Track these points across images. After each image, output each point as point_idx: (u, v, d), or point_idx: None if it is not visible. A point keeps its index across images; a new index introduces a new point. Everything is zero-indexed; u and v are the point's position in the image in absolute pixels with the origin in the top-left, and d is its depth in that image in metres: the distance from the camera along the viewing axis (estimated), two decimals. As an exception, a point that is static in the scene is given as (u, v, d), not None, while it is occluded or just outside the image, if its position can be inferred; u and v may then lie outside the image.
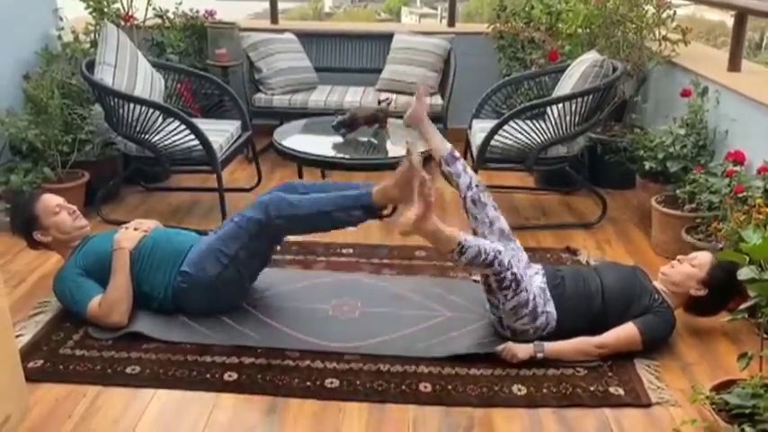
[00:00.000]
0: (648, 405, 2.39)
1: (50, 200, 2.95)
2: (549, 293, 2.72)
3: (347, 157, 3.74)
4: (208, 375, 2.51)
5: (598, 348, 2.60)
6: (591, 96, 3.72)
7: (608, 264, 3.20)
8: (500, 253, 2.55)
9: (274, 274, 3.12)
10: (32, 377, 2.43)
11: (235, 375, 2.51)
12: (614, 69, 3.84)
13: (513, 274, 2.57)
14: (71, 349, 2.65)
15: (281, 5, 5.79)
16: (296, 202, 2.78)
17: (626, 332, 2.62)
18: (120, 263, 2.80)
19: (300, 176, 4.07)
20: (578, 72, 3.89)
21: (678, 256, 2.85)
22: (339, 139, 3.87)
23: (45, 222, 2.91)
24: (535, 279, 2.76)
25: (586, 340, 2.61)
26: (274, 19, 5.66)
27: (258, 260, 2.93)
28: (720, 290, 2.70)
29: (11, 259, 3.36)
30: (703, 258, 2.76)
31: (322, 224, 2.83)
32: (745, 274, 2.06)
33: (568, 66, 4.14)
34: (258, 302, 2.98)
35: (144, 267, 2.84)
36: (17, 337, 2.60)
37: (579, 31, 4.54)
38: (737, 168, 3.27)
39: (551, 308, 2.69)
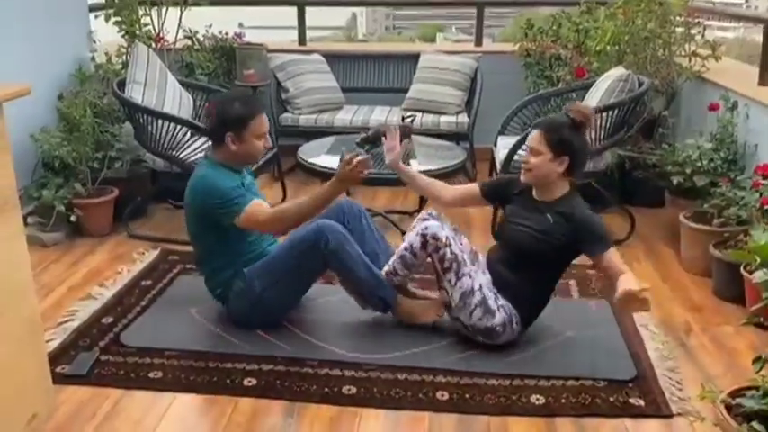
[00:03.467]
0: (669, 416, 2.35)
1: (264, 123, 2.88)
2: (494, 286, 2.74)
3: (371, 172, 3.75)
4: (228, 381, 2.54)
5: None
6: (616, 111, 3.71)
7: None
8: (426, 228, 2.71)
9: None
10: (59, 380, 2.48)
11: (254, 381, 2.53)
12: (640, 84, 3.82)
13: (452, 253, 2.68)
14: (96, 355, 2.69)
15: (315, 33, 5.88)
16: (351, 248, 2.80)
17: (610, 258, 2.57)
18: (326, 194, 2.73)
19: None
20: (603, 87, 3.88)
21: (522, 164, 2.74)
22: (363, 155, 3.90)
23: (246, 136, 2.81)
24: (481, 276, 2.77)
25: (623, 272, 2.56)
26: (302, 40, 5.76)
27: (305, 282, 2.93)
28: (571, 145, 2.62)
29: (41, 271, 3.44)
30: (532, 140, 2.66)
31: (356, 283, 2.85)
32: (760, 277, 2.02)
33: (595, 82, 4.13)
34: (292, 315, 2.98)
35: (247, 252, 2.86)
36: (46, 342, 2.66)
37: (608, 48, 4.53)
38: (765, 182, 3.21)
39: (503, 300, 2.70)
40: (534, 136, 2.66)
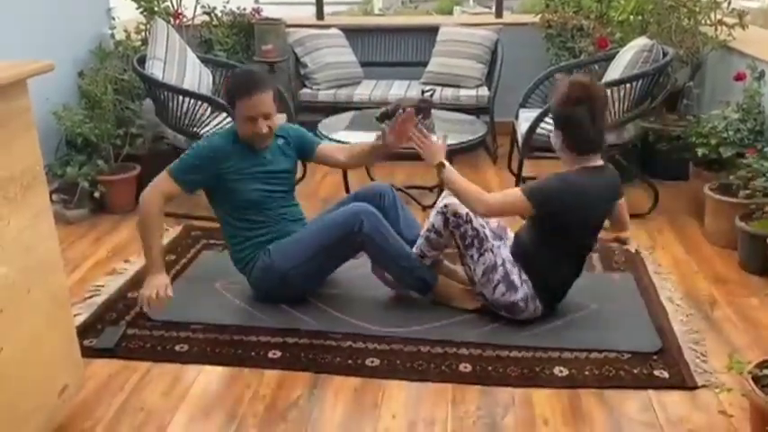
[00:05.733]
0: (694, 388, 2.34)
1: (253, 106, 2.71)
2: (515, 260, 2.74)
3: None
4: (253, 353, 2.57)
5: (482, 197, 2.61)
6: (639, 82, 3.65)
7: None
8: (446, 206, 2.73)
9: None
10: (87, 354, 2.51)
11: (278, 353, 2.56)
12: (664, 54, 3.75)
13: (474, 229, 2.68)
14: (123, 328, 2.73)
15: (332, 8, 5.83)
16: (386, 230, 2.80)
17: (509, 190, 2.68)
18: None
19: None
20: (627, 58, 3.82)
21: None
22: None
23: (237, 114, 2.78)
24: (503, 250, 2.78)
25: (480, 191, 2.64)
26: (320, 15, 5.72)
27: (333, 265, 2.93)
28: (563, 116, 2.61)
29: (66, 248, 3.47)
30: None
31: (393, 266, 2.85)
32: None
33: (618, 53, 4.06)
34: (319, 291, 2.98)
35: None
36: (74, 316, 2.69)
37: (631, 18, 4.45)
38: (792, 151, 3.17)
39: (525, 275, 2.70)
40: None
